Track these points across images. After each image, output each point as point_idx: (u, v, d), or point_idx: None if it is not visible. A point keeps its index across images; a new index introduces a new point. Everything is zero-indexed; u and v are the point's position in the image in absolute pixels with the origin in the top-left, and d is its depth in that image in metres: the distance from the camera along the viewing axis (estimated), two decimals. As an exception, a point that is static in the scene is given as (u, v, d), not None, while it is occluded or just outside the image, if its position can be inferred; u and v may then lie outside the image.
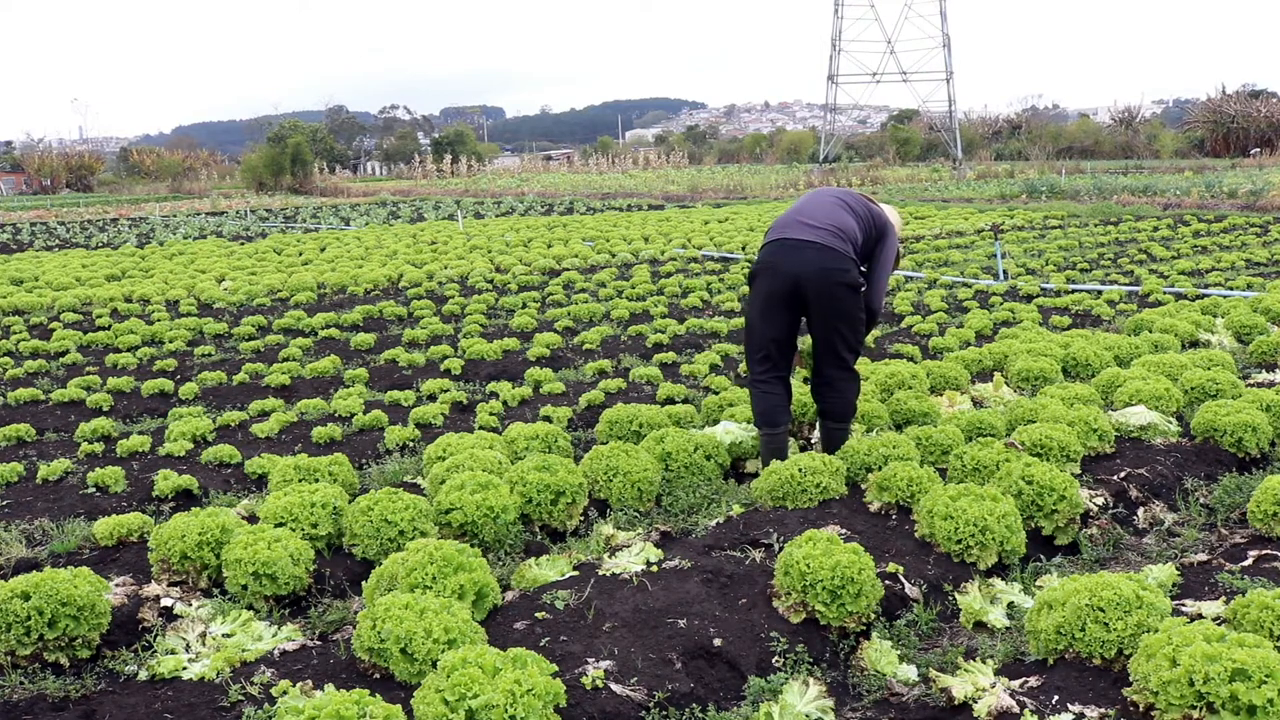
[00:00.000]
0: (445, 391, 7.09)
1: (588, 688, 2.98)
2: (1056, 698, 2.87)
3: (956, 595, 3.72)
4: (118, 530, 4.33)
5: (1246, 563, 3.76)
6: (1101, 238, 16.29)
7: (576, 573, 3.79)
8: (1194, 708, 2.59)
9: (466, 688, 2.66)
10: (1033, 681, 2.98)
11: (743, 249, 15.80)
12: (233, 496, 5.12)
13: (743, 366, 5.21)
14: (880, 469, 4.52)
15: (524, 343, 8.92)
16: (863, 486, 4.54)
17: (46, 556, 4.30)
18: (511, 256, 15.22)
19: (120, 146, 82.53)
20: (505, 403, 6.76)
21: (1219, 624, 3.08)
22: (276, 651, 3.31)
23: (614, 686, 3.00)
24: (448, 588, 3.36)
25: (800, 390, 5.69)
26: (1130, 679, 2.80)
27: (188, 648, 3.41)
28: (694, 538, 4.15)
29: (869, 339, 8.51)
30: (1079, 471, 4.73)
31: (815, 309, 4.81)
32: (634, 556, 3.85)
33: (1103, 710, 2.78)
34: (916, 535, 4.03)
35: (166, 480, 5.09)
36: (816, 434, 5.47)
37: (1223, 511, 4.50)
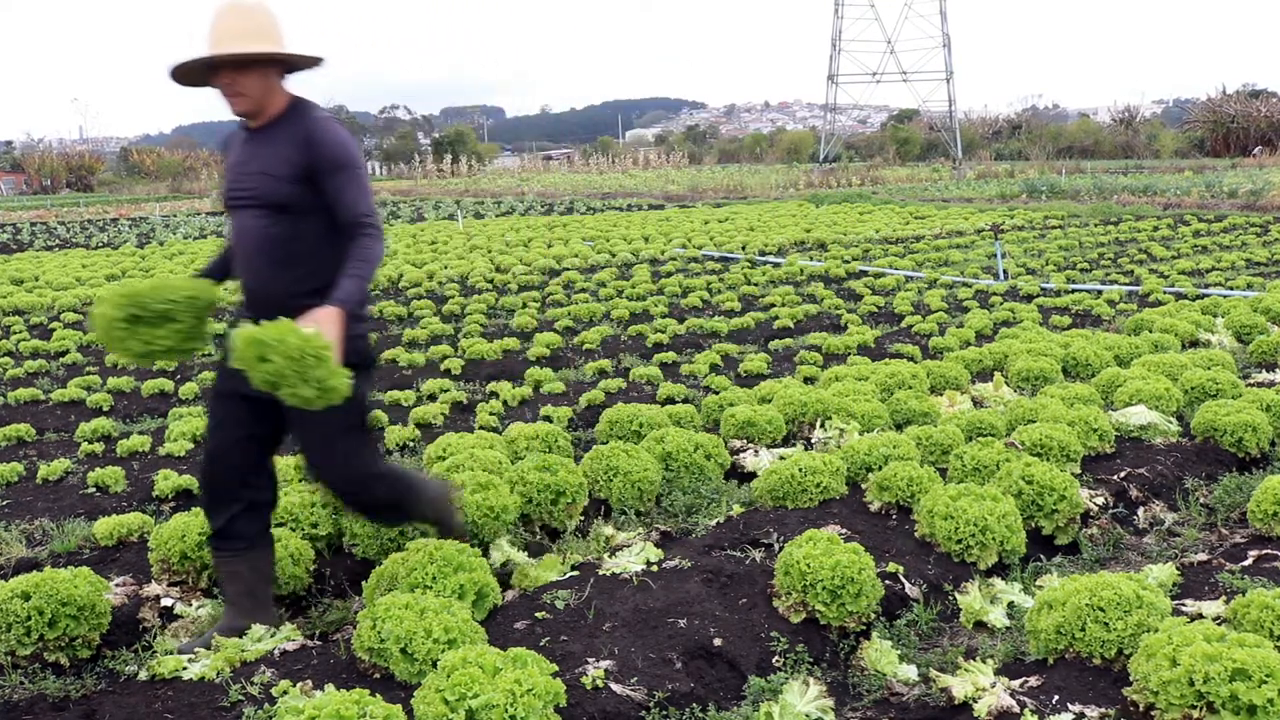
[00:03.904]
0: (445, 391, 7.08)
1: (588, 687, 2.97)
2: (1056, 697, 2.87)
3: (956, 595, 3.72)
4: (118, 530, 4.33)
5: (1246, 562, 3.76)
6: (1101, 238, 16.29)
7: (576, 573, 3.79)
8: (1194, 707, 2.59)
9: (467, 687, 2.66)
10: (1033, 681, 2.98)
11: (742, 249, 15.80)
12: (233, 496, 5.11)
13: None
14: (880, 469, 4.52)
15: (524, 342, 8.92)
16: (863, 486, 4.54)
17: (47, 556, 4.30)
18: (511, 256, 15.22)
19: (120, 146, 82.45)
20: (505, 402, 6.76)
21: (1219, 624, 3.08)
22: (276, 651, 3.31)
23: (614, 686, 3.00)
24: (448, 587, 3.36)
25: (803, 390, 5.69)
26: (1130, 679, 2.80)
27: (188, 647, 3.41)
28: (694, 538, 4.15)
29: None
30: (1079, 471, 4.73)
31: None
32: (634, 556, 3.85)
33: (1103, 710, 2.78)
34: (917, 535, 4.03)
35: (167, 480, 5.09)
36: (817, 434, 5.47)
37: (1223, 511, 4.50)
